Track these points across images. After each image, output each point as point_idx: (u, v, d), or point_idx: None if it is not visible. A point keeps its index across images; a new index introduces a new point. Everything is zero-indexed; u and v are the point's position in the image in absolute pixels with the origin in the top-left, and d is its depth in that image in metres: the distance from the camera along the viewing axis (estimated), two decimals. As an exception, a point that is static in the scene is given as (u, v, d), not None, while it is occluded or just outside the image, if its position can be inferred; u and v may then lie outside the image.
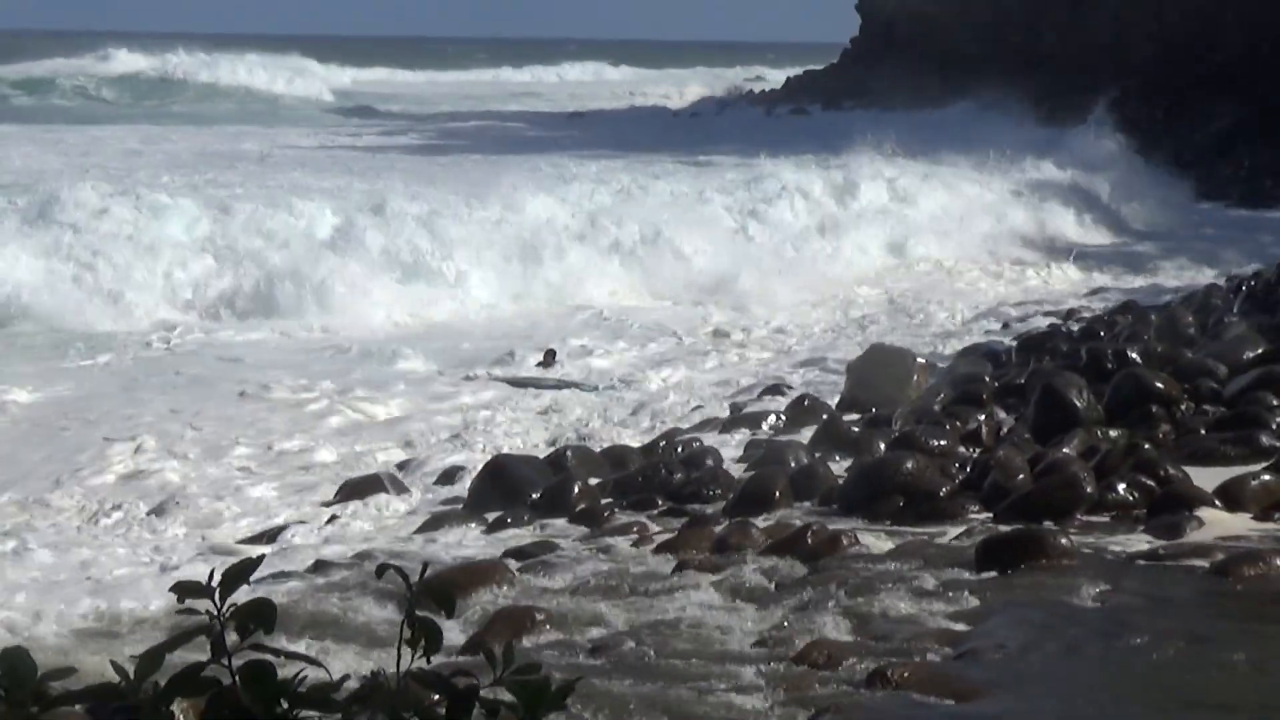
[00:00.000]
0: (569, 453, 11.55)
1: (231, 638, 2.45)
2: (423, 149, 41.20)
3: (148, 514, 10.63)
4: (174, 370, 15.65)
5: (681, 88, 78.72)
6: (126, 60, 71.10)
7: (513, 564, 8.80)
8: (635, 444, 12.35)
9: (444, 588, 2.68)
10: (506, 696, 2.49)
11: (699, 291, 20.64)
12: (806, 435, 12.01)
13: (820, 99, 56.67)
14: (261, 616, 2.47)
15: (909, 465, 10.16)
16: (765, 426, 12.75)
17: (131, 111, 54.96)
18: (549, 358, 16.07)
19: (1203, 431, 11.34)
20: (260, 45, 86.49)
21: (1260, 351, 13.16)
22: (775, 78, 78.45)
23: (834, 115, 50.26)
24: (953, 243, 25.40)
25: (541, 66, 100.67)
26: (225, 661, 2.42)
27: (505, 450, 12.07)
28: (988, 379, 13.49)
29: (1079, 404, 11.65)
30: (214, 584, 2.46)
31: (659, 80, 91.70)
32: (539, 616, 7.73)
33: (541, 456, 11.65)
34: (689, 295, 20.57)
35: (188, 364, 15.98)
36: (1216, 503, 9.50)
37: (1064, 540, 8.63)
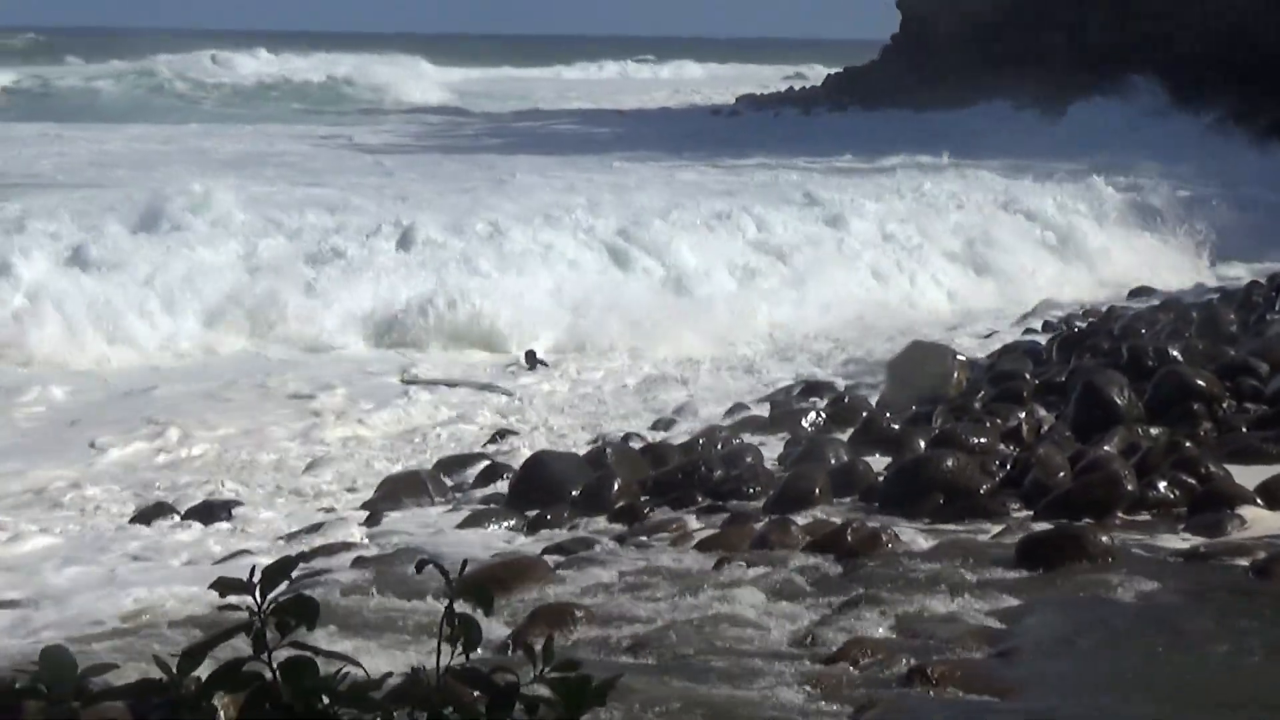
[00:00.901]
0: (609, 450, 11.48)
1: (271, 634, 2.46)
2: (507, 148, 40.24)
3: (186, 514, 10.66)
4: (189, 378, 15.63)
5: (730, 88, 78.54)
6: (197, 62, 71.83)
7: (552, 561, 8.81)
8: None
9: (483, 584, 2.68)
10: (546, 694, 2.50)
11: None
12: (847, 434, 11.99)
13: (859, 98, 56.41)
14: (303, 612, 2.48)
15: (949, 463, 10.13)
16: (805, 424, 12.73)
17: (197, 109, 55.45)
18: (529, 358, 16.29)
19: (1244, 429, 11.29)
20: (267, 43, 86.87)
21: (1302, 349, 13.09)
22: (817, 75, 78.23)
23: (870, 115, 49.90)
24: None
25: (592, 63, 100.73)
26: (266, 657, 2.44)
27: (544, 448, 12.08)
28: (1028, 376, 13.45)
29: (1120, 401, 11.60)
30: (255, 580, 2.47)
31: (698, 80, 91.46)
32: (578, 613, 7.73)
33: (581, 453, 11.65)
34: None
35: (200, 373, 15.97)
36: (1258, 501, 9.46)
37: (1104, 538, 8.60)
